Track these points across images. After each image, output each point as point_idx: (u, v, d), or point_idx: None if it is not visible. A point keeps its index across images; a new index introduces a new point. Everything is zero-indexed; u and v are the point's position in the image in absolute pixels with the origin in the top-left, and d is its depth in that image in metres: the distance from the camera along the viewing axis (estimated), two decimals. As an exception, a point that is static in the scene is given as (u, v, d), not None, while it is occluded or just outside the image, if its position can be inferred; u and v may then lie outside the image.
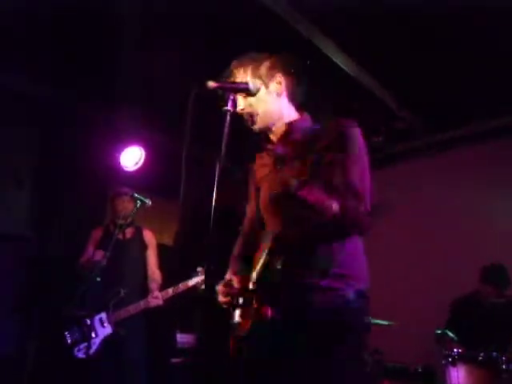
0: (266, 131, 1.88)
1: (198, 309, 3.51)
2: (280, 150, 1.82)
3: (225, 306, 1.83)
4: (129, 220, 3.78)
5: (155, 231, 4.18)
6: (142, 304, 3.55)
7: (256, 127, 1.84)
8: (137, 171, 4.47)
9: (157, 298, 3.55)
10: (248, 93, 1.72)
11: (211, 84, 1.61)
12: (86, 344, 3.43)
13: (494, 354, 3.21)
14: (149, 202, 3.67)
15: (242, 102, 1.81)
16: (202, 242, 1.53)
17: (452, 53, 3.75)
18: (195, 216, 2.80)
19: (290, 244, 1.66)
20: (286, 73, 1.85)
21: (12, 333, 4.13)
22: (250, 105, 1.81)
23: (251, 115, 1.82)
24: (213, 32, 3.55)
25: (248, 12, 3.31)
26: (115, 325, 3.52)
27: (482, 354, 3.24)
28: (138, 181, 4.37)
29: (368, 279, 1.72)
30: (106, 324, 3.53)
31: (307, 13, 3.39)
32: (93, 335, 3.50)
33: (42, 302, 4.23)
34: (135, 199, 3.62)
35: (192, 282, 3.51)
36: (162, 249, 4.16)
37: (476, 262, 3.99)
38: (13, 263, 4.30)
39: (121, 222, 3.76)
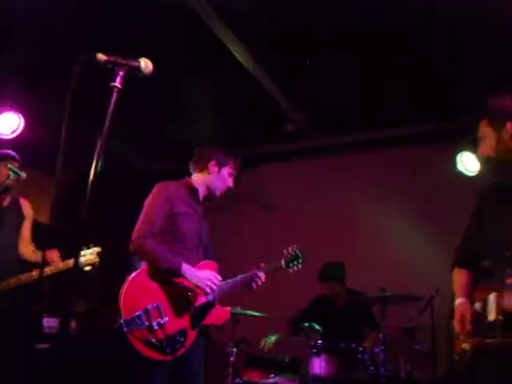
0: None
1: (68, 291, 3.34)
2: None
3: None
4: (2, 187, 3.46)
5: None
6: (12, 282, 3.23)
7: None
8: (14, 139, 4.12)
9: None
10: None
11: (101, 57, 1.52)
12: None
13: (353, 345, 3.54)
14: (23, 175, 3.43)
15: None
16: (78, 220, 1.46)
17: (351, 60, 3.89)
18: (72, 194, 2.64)
19: None
20: None
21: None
22: None
23: None
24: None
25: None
26: None
27: (342, 345, 3.53)
28: (14, 150, 4.02)
29: None
30: None
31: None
32: None
33: None
34: (9, 170, 3.36)
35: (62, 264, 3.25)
36: (36, 227, 3.84)
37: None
38: None
39: None
